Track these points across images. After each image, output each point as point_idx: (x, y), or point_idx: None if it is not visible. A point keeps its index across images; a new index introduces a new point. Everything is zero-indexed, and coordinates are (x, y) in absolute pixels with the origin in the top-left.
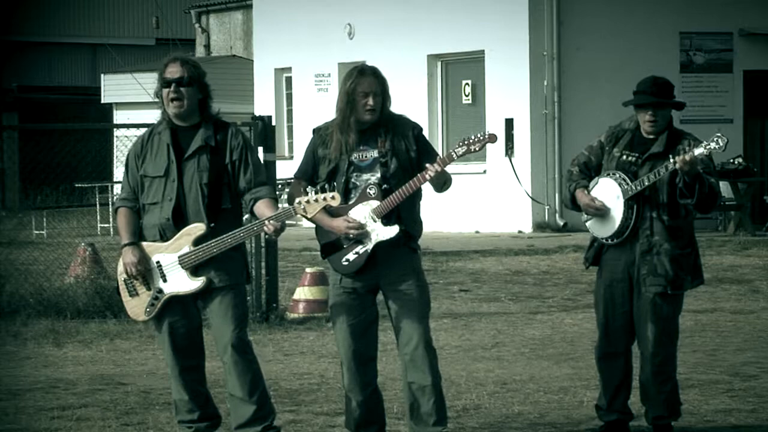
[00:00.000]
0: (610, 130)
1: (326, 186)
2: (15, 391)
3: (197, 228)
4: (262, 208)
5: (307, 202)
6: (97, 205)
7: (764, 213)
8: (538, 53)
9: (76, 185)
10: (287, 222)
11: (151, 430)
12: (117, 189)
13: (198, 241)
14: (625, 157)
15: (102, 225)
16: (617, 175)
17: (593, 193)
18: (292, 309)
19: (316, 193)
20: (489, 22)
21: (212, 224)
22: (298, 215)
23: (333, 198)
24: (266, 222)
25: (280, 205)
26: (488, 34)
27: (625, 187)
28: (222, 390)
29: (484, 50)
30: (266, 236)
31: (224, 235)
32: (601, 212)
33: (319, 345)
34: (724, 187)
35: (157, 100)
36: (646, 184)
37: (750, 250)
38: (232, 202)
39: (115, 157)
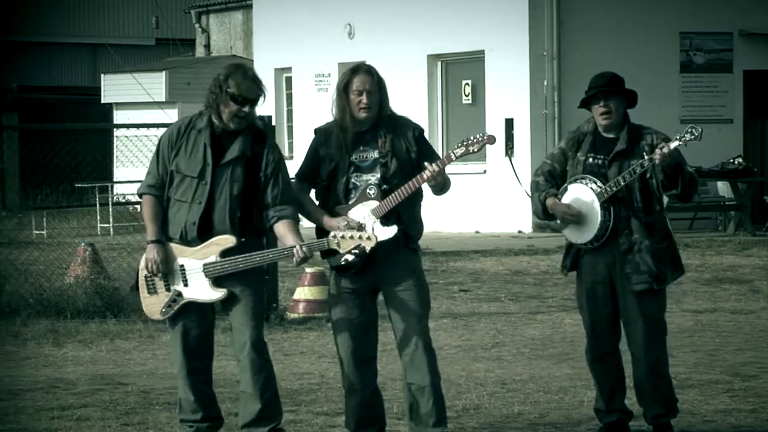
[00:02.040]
0: (569, 135)
1: (331, 185)
2: (15, 391)
3: (227, 240)
4: (284, 229)
5: (342, 237)
6: (97, 205)
7: (764, 213)
8: (538, 53)
9: (76, 185)
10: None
11: (151, 430)
12: (117, 189)
13: (225, 253)
14: (591, 160)
15: (102, 225)
16: (587, 179)
17: (565, 200)
18: (292, 309)
19: (351, 229)
20: (489, 22)
21: (243, 239)
22: (331, 247)
23: (369, 239)
24: (297, 248)
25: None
26: (488, 34)
27: (598, 190)
28: (223, 390)
29: (484, 50)
30: (295, 261)
31: (254, 253)
32: (578, 219)
33: (319, 345)
34: (724, 187)
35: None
36: (622, 184)
37: (750, 250)
38: (258, 217)
39: (115, 157)
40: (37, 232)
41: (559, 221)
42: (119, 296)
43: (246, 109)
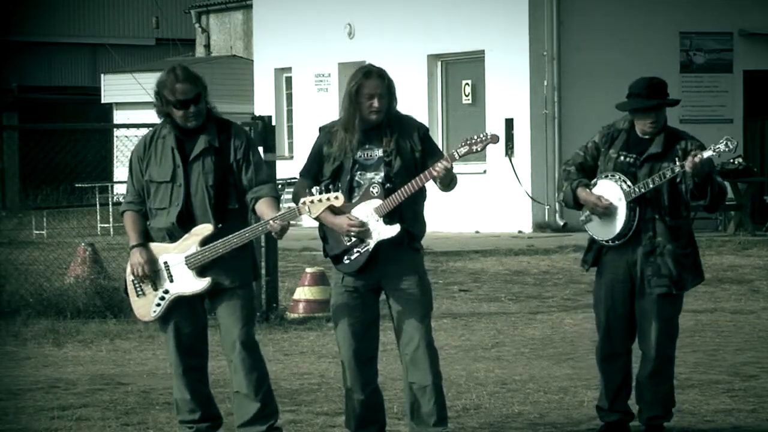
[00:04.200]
0: (603, 130)
1: (330, 186)
2: (15, 391)
3: (205, 228)
4: (263, 207)
5: (311, 202)
6: (97, 205)
7: (764, 213)
8: (538, 53)
9: (76, 185)
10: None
11: (151, 430)
12: (117, 189)
13: (205, 242)
14: (622, 158)
15: (102, 225)
16: (617, 177)
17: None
18: (292, 309)
19: (320, 192)
20: (489, 22)
21: (220, 225)
22: (303, 215)
23: (336, 198)
24: (270, 222)
25: (284, 206)
26: (488, 34)
27: (627, 189)
28: (222, 390)
29: (484, 50)
30: (274, 235)
31: (230, 236)
32: (609, 211)
33: (319, 345)
34: None
35: (154, 100)
36: (651, 186)
37: (750, 250)
38: (239, 202)
39: (115, 157)
40: (37, 232)
41: (584, 215)
42: (119, 296)
43: (191, 108)
